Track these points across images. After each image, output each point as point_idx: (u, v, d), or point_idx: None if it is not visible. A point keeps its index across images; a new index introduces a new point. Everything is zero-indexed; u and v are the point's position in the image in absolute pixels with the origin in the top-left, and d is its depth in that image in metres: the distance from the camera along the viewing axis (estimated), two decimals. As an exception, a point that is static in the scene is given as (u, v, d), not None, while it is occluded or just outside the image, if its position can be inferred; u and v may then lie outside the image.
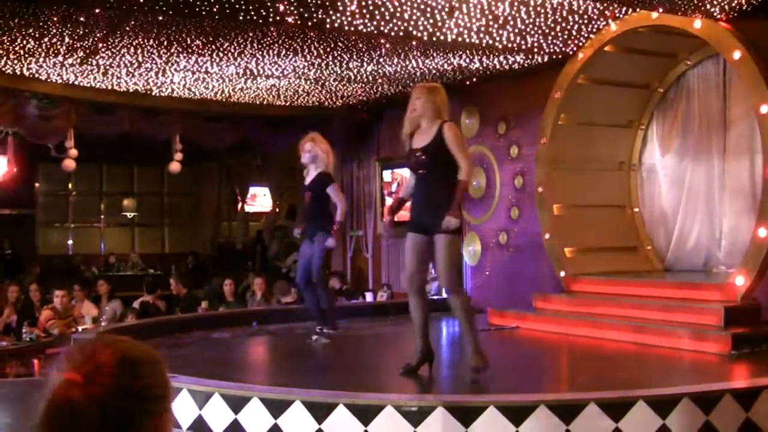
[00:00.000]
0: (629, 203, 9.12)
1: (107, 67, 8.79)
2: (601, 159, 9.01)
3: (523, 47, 8.08)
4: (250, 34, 7.38)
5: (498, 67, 9.04)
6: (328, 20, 6.90)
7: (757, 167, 7.41)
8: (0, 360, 7.75)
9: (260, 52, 8.22)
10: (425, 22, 7.16)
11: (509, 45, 7.96)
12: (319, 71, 9.19)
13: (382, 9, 6.77)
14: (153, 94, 10.20)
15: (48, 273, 14.53)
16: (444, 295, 9.63)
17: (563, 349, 7.11)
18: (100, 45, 7.73)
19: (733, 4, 6.76)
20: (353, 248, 12.33)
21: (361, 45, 7.85)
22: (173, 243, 18.99)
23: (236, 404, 4.46)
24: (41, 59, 8.34)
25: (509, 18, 7.20)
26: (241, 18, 6.71)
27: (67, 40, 7.56)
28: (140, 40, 7.56)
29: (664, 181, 8.85)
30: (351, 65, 8.90)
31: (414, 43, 7.78)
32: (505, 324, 7.97)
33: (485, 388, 5.06)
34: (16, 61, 8.41)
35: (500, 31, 7.56)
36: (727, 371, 5.87)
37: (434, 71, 9.28)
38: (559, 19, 7.41)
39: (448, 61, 8.81)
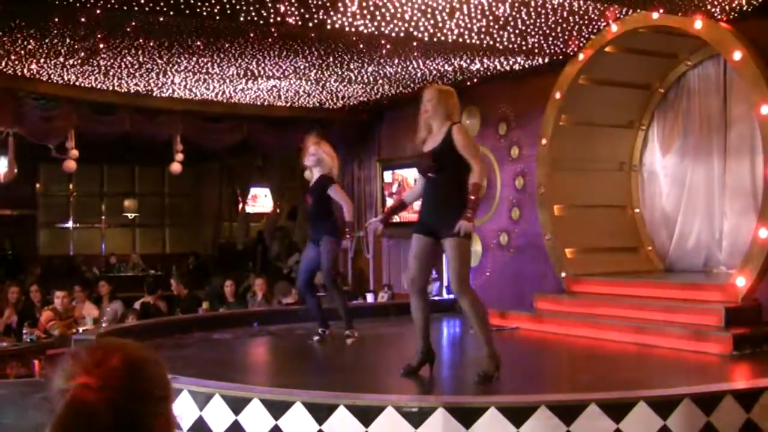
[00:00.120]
0: (630, 204, 9.12)
1: (108, 68, 8.79)
2: (602, 159, 9.01)
3: (524, 48, 8.08)
4: (251, 35, 7.39)
5: (498, 67, 9.04)
6: (328, 21, 6.90)
7: (758, 167, 7.41)
8: (0, 361, 7.76)
9: (261, 53, 8.22)
10: (426, 23, 7.16)
11: (510, 46, 7.96)
12: (319, 72, 9.20)
13: (383, 10, 6.78)
14: (154, 94, 10.21)
15: (49, 274, 14.55)
16: (445, 295, 9.67)
17: (564, 350, 7.11)
18: (101, 46, 7.73)
19: (734, 5, 6.76)
20: (354, 249, 12.33)
21: (361, 46, 7.85)
22: (174, 244, 18.99)
23: (237, 405, 4.46)
24: (42, 60, 8.35)
25: (510, 19, 7.21)
26: (241, 19, 6.71)
27: (68, 40, 7.57)
28: (141, 40, 7.56)
29: (664, 182, 8.85)
30: (351, 66, 8.91)
31: (415, 43, 7.78)
32: (506, 325, 7.96)
33: (486, 388, 5.05)
34: (17, 62, 8.41)
35: (501, 32, 7.57)
36: (728, 372, 5.86)
37: (435, 72, 9.28)
38: (560, 20, 7.41)
39: (449, 62, 8.81)
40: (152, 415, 1.36)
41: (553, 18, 7.33)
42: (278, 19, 6.74)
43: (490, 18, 7.15)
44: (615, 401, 4.22)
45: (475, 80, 9.54)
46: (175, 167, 11.21)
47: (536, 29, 7.56)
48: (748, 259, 6.82)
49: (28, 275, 13.91)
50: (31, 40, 7.58)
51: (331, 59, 8.54)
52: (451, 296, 9.20)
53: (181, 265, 16.77)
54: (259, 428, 4.37)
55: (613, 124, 8.93)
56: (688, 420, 4.16)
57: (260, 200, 18.25)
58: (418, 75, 9.44)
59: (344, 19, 6.88)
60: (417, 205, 5.81)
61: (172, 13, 6.50)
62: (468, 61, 8.72)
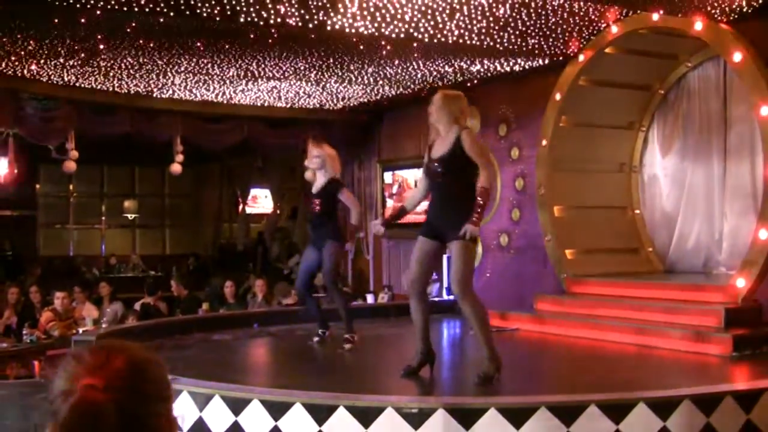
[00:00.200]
0: (630, 205, 9.12)
1: (108, 69, 8.79)
2: (602, 160, 9.01)
3: (524, 49, 8.08)
4: (251, 36, 7.38)
5: (499, 69, 9.04)
6: (329, 22, 6.90)
7: (758, 168, 7.41)
8: (0, 361, 7.76)
9: (261, 54, 8.23)
10: (426, 24, 7.16)
11: (510, 47, 7.96)
12: (319, 73, 9.20)
13: (383, 11, 6.78)
14: (154, 95, 10.21)
15: (49, 274, 14.55)
16: (445, 296, 9.67)
17: (564, 351, 7.10)
18: (101, 46, 7.73)
19: (734, 6, 6.76)
20: (354, 250, 12.34)
21: (361, 47, 7.85)
22: (174, 244, 18.99)
23: (237, 406, 4.46)
24: (42, 60, 8.35)
25: (510, 20, 7.21)
26: (241, 20, 6.71)
27: (68, 41, 7.57)
28: (141, 41, 7.56)
29: (664, 183, 8.85)
30: (352, 67, 8.91)
31: (415, 45, 7.78)
32: (506, 326, 7.96)
33: (486, 389, 5.05)
34: (17, 63, 8.42)
35: (501, 33, 7.57)
36: (728, 373, 5.87)
37: (435, 73, 9.29)
38: (560, 21, 7.41)
39: (449, 63, 8.82)
40: (155, 415, 1.37)
41: (554, 19, 7.33)
42: (278, 20, 6.74)
43: (491, 19, 7.15)
44: (615, 402, 4.22)
45: (476, 81, 9.54)
46: (175, 168, 11.21)
47: (536, 30, 7.56)
48: (748, 260, 6.82)
49: (28, 276, 13.92)
50: (31, 41, 7.58)
51: (331, 60, 8.54)
52: (451, 297, 9.21)
53: (181, 266, 16.78)
54: (259, 429, 4.37)
55: (614, 125, 8.94)
56: (688, 421, 4.16)
57: (260, 201, 18.26)
58: (419, 76, 9.44)
59: (344, 20, 6.88)
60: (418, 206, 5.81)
61: (172, 14, 6.50)
62: (468, 62, 8.72)
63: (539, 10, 7.06)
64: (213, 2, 6.35)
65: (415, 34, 7.36)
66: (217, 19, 6.68)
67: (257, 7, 6.48)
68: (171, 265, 16.84)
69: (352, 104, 11.26)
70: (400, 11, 6.81)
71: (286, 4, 6.51)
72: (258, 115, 11.28)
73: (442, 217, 5.26)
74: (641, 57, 8.32)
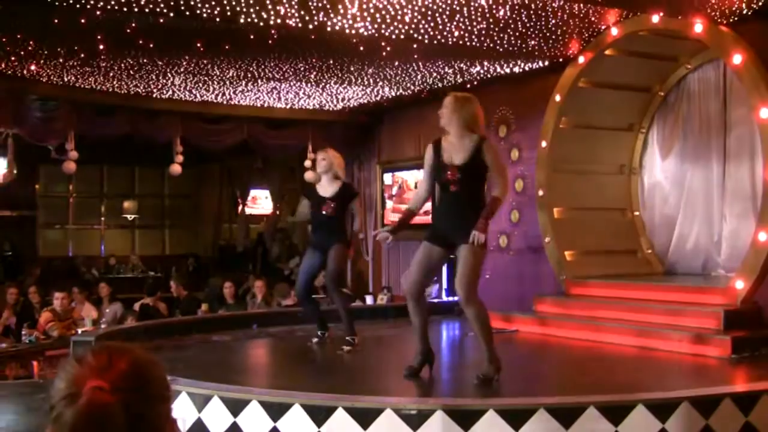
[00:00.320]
0: (630, 206, 9.13)
1: (108, 69, 8.80)
2: (602, 162, 9.02)
3: (524, 51, 8.09)
4: (251, 37, 7.39)
5: (499, 70, 9.05)
6: (328, 23, 6.91)
7: (757, 171, 7.41)
8: (-1, 362, 7.76)
9: (261, 55, 8.23)
10: (426, 26, 7.16)
11: (510, 48, 7.97)
12: (319, 74, 9.20)
13: (383, 12, 6.78)
14: (154, 96, 10.21)
15: (48, 274, 14.55)
16: (444, 297, 9.67)
17: (563, 353, 7.10)
18: (101, 47, 7.73)
19: (734, 8, 6.77)
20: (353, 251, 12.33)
21: (361, 48, 7.85)
22: (174, 245, 18.98)
23: (235, 407, 4.46)
24: (42, 61, 8.35)
25: (510, 21, 7.21)
26: (241, 21, 6.72)
27: (68, 42, 7.57)
28: (141, 42, 7.56)
29: (664, 184, 8.85)
30: (351, 68, 8.91)
31: (415, 46, 7.79)
32: (506, 327, 7.96)
33: (485, 391, 5.05)
34: (17, 63, 8.42)
35: (501, 35, 7.57)
36: (727, 375, 5.87)
37: (435, 74, 9.29)
38: (560, 23, 7.42)
39: (449, 65, 8.82)
40: (159, 416, 1.39)
41: (553, 21, 7.34)
42: (278, 21, 6.75)
43: (491, 21, 7.16)
44: (614, 404, 4.22)
45: (476, 83, 9.54)
46: (175, 168, 11.21)
47: (536, 32, 7.56)
48: (747, 263, 6.82)
49: (27, 276, 13.92)
50: (31, 41, 7.58)
51: (331, 61, 8.55)
52: (450, 299, 9.21)
53: (180, 266, 16.78)
54: (258, 430, 4.37)
55: (613, 127, 8.94)
56: (686, 423, 4.16)
57: (260, 202, 18.25)
58: (418, 77, 9.44)
59: (344, 21, 6.88)
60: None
61: (172, 14, 6.51)
62: (468, 63, 8.73)
63: (539, 12, 7.06)
64: (213, 3, 6.36)
65: (415, 35, 7.36)
66: (217, 20, 6.69)
67: (257, 8, 6.49)
68: (170, 266, 16.84)
69: (351, 105, 11.27)
70: (400, 12, 6.81)
71: (286, 5, 6.51)
72: (258, 115, 11.29)
73: (452, 223, 5.23)
74: (641, 59, 8.33)
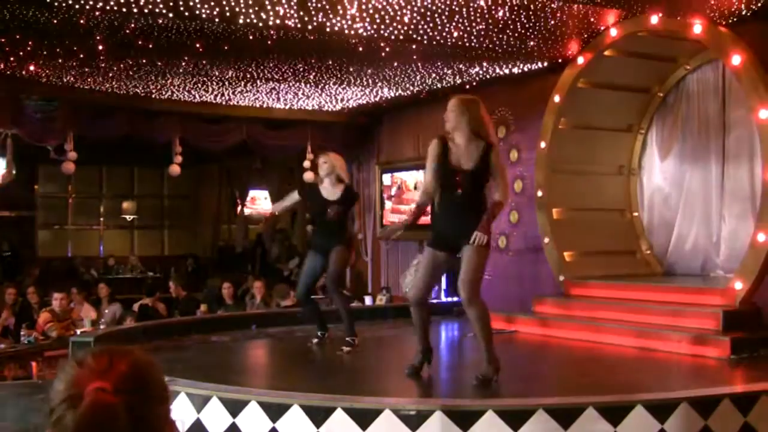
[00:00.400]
0: (628, 207, 9.13)
1: (107, 70, 8.79)
2: (601, 163, 9.02)
3: (523, 51, 8.09)
4: (250, 38, 7.39)
5: (498, 71, 9.05)
6: (327, 24, 6.91)
7: (756, 172, 7.42)
8: (-2, 363, 7.76)
9: (260, 56, 8.22)
10: (425, 26, 7.16)
11: (509, 49, 7.97)
12: (318, 75, 9.20)
13: (382, 13, 6.78)
14: (153, 96, 10.21)
15: (47, 275, 14.55)
16: (443, 298, 9.67)
17: (562, 353, 7.11)
18: (100, 48, 7.73)
19: (733, 9, 6.77)
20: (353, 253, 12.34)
21: (360, 49, 7.85)
22: (173, 245, 18.99)
23: (234, 407, 4.46)
24: (41, 61, 8.35)
25: (509, 22, 7.21)
26: (240, 21, 6.72)
27: (67, 42, 7.57)
28: (140, 43, 7.56)
29: (663, 185, 8.86)
30: (351, 69, 8.91)
31: (414, 47, 7.79)
32: (504, 328, 7.95)
33: (484, 391, 5.05)
34: (16, 63, 8.42)
35: (500, 36, 7.57)
36: (726, 376, 5.87)
37: (434, 75, 9.29)
38: (559, 24, 7.42)
39: (448, 65, 8.82)
40: (159, 417, 1.40)
41: (553, 21, 7.34)
42: (277, 21, 6.75)
43: (490, 21, 7.16)
44: (613, 404, 4.22)
45: (475, 83, 9.54)
46: (174, 169, 11.21)
47: (535, 33, 7.57)
48: (746, 264, 6.82)
49: (26, 276, 13.91)
50: (30, 42, 7.58)
51: (330, 62, 8.55)
52: (449, 299, 9.22)
53: (179, 267, 16.77)
54: (257, 431, 4.37)
55: (612, 128, 8.94)
56: (685, 423, 4.16)
57: (259, 202, 18.24)
58: (418, 78, 9.44)
59: (343, 22, 6.88)
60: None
61: (171, 15, 6.50)
62: (467, 64, 8.72)
63: (538, 13, 7.07)
64: (212, 4, 6.36)
65: (414, 36, 7.36)
66: (216, 20, 6.69)
67: (256, 8, 6.49)
68: (169, 267, 16.83)
69: (351, 106, 11.27)
70: (399, 13, 6.82)
71: (285, 6, 6.51)
72: (257, 116, 11.29)
73: (457, 227, 5.23)
74: (640, 60, 8.33)
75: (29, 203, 16.93)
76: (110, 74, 9.00)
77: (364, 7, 6.64)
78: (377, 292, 11.42)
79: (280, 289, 10.53)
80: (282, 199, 7.82)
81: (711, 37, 7.13)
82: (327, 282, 7.15)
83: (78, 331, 8.48)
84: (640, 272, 8.74)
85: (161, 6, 6.33)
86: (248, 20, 6.68)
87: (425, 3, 6.67)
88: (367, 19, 6.87)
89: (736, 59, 6.92)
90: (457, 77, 9.36)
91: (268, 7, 6.47)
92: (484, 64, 8.71)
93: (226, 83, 9.57)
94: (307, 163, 11.36)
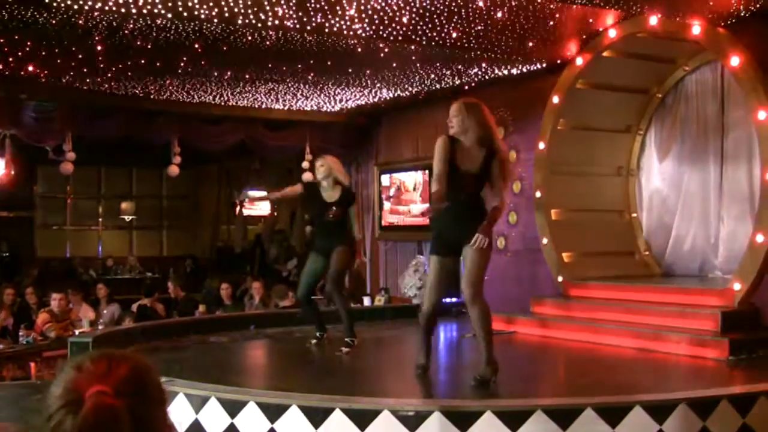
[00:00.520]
0: (627, 208, 9.13)
1: (106, 71, 8.79)
2: (600, 164, 9.02)
3: (522, 52, 8.09)
4: (249, 38, 7.39)
5: (497, 72, 9.05)
6: (326, 24, 6.90)
7: (755, 173, 7.42)
8: (-3, 363, 7.76)
9: (259, 57, 8.22)
10: (424, 27, 7.16)
11: (508, 50, 7.97)
12: (317, 75, 9.20)
13: (381, 14, 6.78)
14: (151, 97, 10.20)
15: (46, 275, 14.54)
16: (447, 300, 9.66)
17: (560, 354, 7.11)
18: (99, 48, 7.73)
19: (732, 10, 6.78)
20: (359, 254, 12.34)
21: (359, 49, 7.85)
22: (171, 246, 18.98)
23: (233, 408, 4.46)
24: (40, 62, 8.34)
25: (508, 23, 7.21)
26: (239, 22, 6.71)
27: (65, 43, 7.56)
28: (139, 43, 7.56)
29: (662, 186, 8.86)
30: (350, 69, 8.90)
31: (413, 47, 7.79)
32: (503, 329, 7.96)
33: (482, 392, 5.06)
34: (14, 64, 8.41)
35: (499, 37, 7.57)
36: (725, 377, 5.87)
37: (433, 76, 9.29)
38: (558, 25, 7.42)
39: (447, 66, 8.82)
40: (158, 419, 1.41)
41: (551, 22, 7.34)
42: (276, 22, 6.75)
43: (488, 22, 7.16)
44: (611, 405, 4.22)
45: (474, 84, 9.55)
46: (173, 169, 11.21)
47: (534, 34, 7.57)
48: (744, 265, 6.83)
49: (25, 277, 13.90)
50: (29, 42, 7.57)
51: (328, 63, 8.54)
52: (448, 300, 9.20)
53: (178, 267, 16.76)
54: (255, 431, 4.37)
55: (611, 129, 8.95)
56: (684, 424, 4.17)
57: (258, 203, 18.21)
58: (416, 79, 9.44)
59: (342, 22, 6.88)
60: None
61: (170, 16, 6.50)
62: (466, 65, 8.72)
63: (537, 14, 7.07)
64: (211, 4, 6.36)
65: (413, 37, 7.36)
66: (215, 21, 6.69)
67: (255, 9, 6.49)
68: (168, 267, 16.82)
69: (349, 107, 11.26)
70: (398, 14, 6.82)
71: (284, 7, 6.51)
72: (256, 117, 11.29)
73: (461, 228, 5.26)
74: (639, 60, 8.34)
75: (28, 203, 16.91)
76: (109, 75, 8.99)
77: (363, 7, 6.64)
78: (376, 293, 11.41)
79: (278, 290, 10.53)
80: (287, 188, 7.80)
81: (710, 38, 7.13)
82: (328, 282, 7.16)
83: (76, 332, 8.47)
84: (639, 273, 8.74)
85: (160, 6, 6.32)
86: (247, 21, 6.68)
87: (424, 4, 6.67)
88: (366, 20, 6.87)
89: (734, 60, 6.92)
90: (456, 78, 9.37)
91: (267, 8, 6.47)
92: (483, 65, 8.71)
93: (225, 84, 9.57)
94: (305, 164, 11.36)
